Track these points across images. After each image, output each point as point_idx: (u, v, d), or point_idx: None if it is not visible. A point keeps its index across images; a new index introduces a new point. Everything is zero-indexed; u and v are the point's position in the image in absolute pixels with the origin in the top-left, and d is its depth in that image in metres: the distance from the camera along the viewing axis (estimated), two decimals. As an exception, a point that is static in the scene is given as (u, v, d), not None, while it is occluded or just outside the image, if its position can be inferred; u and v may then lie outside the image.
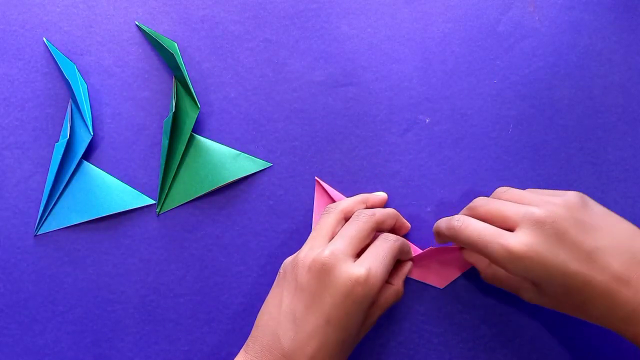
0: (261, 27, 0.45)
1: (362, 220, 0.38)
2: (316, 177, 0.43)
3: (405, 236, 0.42)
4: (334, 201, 0.43)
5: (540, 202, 0.34)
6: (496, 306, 0.42)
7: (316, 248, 0.36)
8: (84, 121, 0.44)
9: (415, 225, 0.43)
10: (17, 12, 0.45)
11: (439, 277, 0.42)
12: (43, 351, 0.42)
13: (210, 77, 0.45)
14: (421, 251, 0.41)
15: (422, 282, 0.42)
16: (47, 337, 0.42)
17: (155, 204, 0.43)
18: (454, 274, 0.42)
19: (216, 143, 0.44)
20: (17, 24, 0.45)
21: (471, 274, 0.42)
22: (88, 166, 0.44)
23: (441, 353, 0.42)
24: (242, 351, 0.37)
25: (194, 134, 0.44)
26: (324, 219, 0.39)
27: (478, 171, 0.43)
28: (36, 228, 0.43)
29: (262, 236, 0.43)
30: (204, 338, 0.42)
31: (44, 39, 0.45)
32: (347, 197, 0.43)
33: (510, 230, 0.34)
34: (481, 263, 0.39)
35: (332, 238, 0.37)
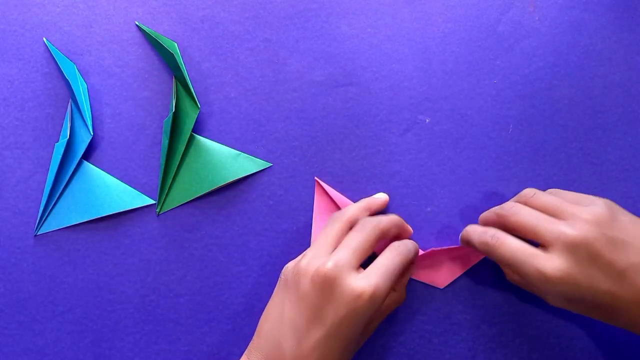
0: (261, 27, 0.45)
1: (367, 230, 0.37)
2: (316, 178, 0.43)
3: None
4: (333, 201, 0.43)
5: (571, 215, 0.35)
6: (496, 306, 0.42)
7: (319, 257, 0.35)
8: (84, 121, 0.44)
9: (415, 225, 0.43)
10: (17, 12, 0.45)
11: (439, 277, 0.42)
12: (43, 351, 0.42)
13: (210, 77, 0.45)
14: (423, 252, 0.41)
15: (422, 282, 0.42)
16: (47, 337, 0.42)
17: (155, 204, 0.43)
18: (454, 274, 0.42)
19: (216, 143, 0.44)
20: (17, 24, 0.45)
21: (471, 274, 0.42)
22: (88, 166, 0.44)
23: (441, 353, 0.42)
24: (244, 357, 0.37)
25: (194, 134, 0.44)
26: (329, 228, 0.38)
27: (478, 171, 0.43)
28: (36, 228, 0.43)
29: (262, 236, 0.43)
30: (204, 338, 0.42)
31: (44, 39, 0.45)
32: (347, 197, 0.43)
33: (542, 245, 0.35)
34: (507, 268, 0.39)
35: (336, 247, 0.36)
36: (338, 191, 0.43)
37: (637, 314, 0.33)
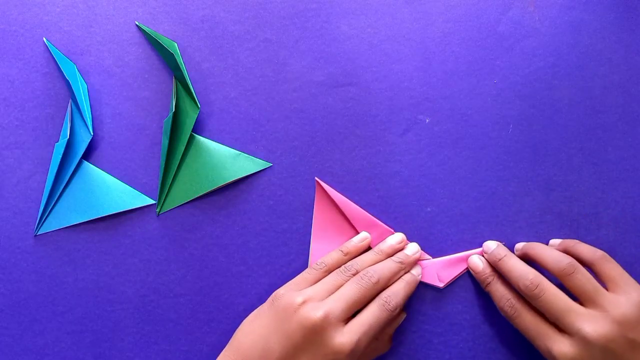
0: (261, 27, 0.45)
1: (365, 285, 0.37)
2: (316, 178, 0.43)
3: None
4: (333, 201, 0.43)
5: (600, 307, 0.35)
6: (496, 306, 0.42)
7: (314, 298, 0.36)
8: (84, 121, 0.44)
9: (415, 225, 0.43)
10: (17, 12, 0.45)
11: (439, 277, 0.42)
12: (43, 351, 0.42)
13: (210, 77, 0.45)
14: (426, 259, 0.42)
15: (422, 282, 0.42)
16: (47, 337, 0.42)
17: (155, 204, 0.43)
18: (454, 274, 0.42)
19: (216, 143, 0.44)
20: (17, 24, 0.45)
21: (471, 274, 0.42)
22: (88, 166, 0.44)
23: (441, 353, 0.42)
24: None
25: (194, 134, 0.44)
26: (331, 276, 0.39)
27: (478, 171, 0.43)
28: (36, 228, 0.43)
29: (262, 236, 0.43)
30: (204, 338, 0.42)
31: (44, 39, 0.45)
32: (347, 197, 0.43)
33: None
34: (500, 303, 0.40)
35: (331, 290, 0.37)
36: (338, 191, 0.43)
37: None
